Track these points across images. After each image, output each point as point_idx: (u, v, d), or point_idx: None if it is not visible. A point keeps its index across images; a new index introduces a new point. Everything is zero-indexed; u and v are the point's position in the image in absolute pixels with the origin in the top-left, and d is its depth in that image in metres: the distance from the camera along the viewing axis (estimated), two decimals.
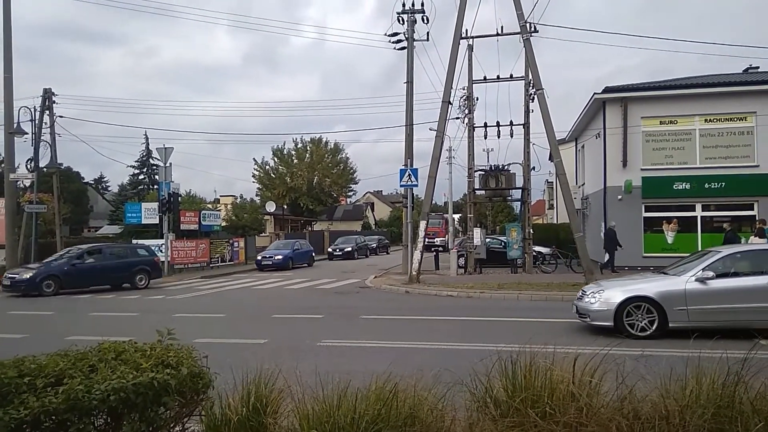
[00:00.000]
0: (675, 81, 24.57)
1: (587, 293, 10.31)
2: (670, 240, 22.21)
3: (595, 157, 25.25)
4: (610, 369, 4.32)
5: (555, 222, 41.63)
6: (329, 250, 40.57)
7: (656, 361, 6.35)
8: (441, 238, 42.77)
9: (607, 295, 9.84)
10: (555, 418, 3.89)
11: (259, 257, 30.43)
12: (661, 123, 22.51)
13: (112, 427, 3.15)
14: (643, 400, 4.12)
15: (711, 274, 9.37)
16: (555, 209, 44.49)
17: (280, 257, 29.72)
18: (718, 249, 10.57)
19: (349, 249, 39.31)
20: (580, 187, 30.11)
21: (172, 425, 3.57)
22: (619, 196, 22.37)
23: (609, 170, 22.63)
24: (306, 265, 31.53)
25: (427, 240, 39.22)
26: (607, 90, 22.85)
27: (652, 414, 4.00)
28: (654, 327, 9.40)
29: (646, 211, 22.47)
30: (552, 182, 46.87)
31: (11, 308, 15.69)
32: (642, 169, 22.30)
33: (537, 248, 25.51)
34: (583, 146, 29.72)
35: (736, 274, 9.61)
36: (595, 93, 22.93)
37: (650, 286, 9.83)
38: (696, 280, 9.42)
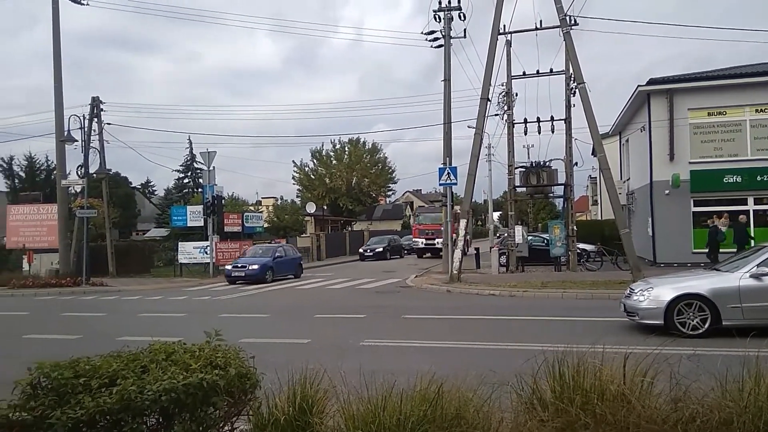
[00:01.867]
0: (723, 71, 23.70)
1: (635, 291, 10.06)
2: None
3: (640, 151, 24.60)
4: (662, 369, 4.20)
5: (599, 218, 40.66)
6: (360, 250, 39.33)
7: (711, 360, 6.13)
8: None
9: (656, 293, 9.60)
10: (606, 419, 3.80)
11: (229, 266, 24.24)
12: (709, 114, 21.78)
13: (164, 427, 3.22)
14: (698, 402, 3.98)
15: (765, 270, 9.03)
16: (599, 205, 43.46)
17: (255, 267, 23.32)
18: None
19: (380, 249, 38.13)
20: (625, 182, 29.38)
21: (221, 425, 3.64)
22: (666, 191, 21.73)
23: (655, 164, 22.02)
24: (292, 276, 25.46)
25: (424, 241, 36.14)
26: (651, 82, 22.23)
27: (708, 416, 3.86)
28: (706, 325, 9.11)
29: (695, 206, 21.77)
30: (595, 178, 45.73)
31: (67, 310, 16.28)
32: (690, 163, 21.62)
33: (581, 245, 25.02)
34: (627, 140, 29.00)
35: None
36: (639, 85, 22.35)
37: (702, 283, 9.54)
38: (751, 276, 9.08)
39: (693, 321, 9.21)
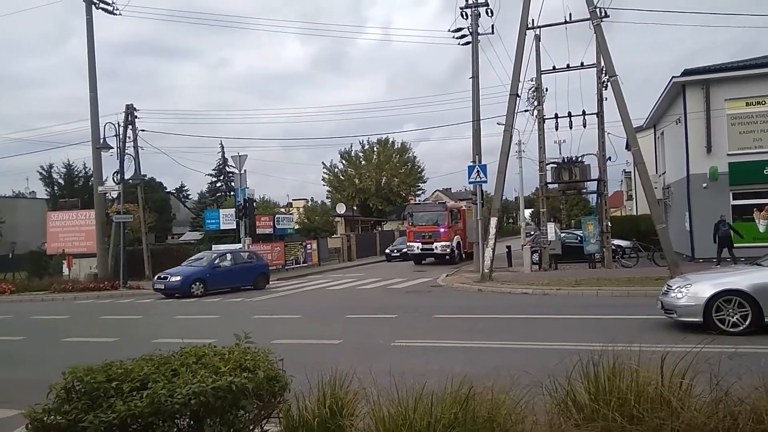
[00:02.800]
0: (761, 59, 22.90)
1: (673, 288, 9.77)
2: (762, 228, 20.78)
3: (675, 143, 23.99)
4: (702, 369, 4.06)
5: (634, 214, 39.80)
6: (386, 251, 37.12)
7: (753, 359, 5.91)
8: (444, 243, 29.60)
9: (695, 290, 9.29)
10: (644, 422, 3.69)
11: (156, 277, 21.24)
12: (747, 104, 21.10)
13: (194, 430, 3.24)
14: (740, 403, 3.84)
15: None
16: (634, 200, 42.54)
17: (177, 279, 19.84)
18: None
19: (406, 249, 33.25)
20: (660, 176, 28.70)
21: (251, 428, 3.65)
22: (704, 184, 21.14)
23: (692, 157, 21.43)
24: (250, 287, 21.32)
25: (421, 246, 29.86)
26: (686, 73, 21.65)
27: (751, 418, 3.71)
28: (747, 322, 8.75)
29: (734, 199, 21.12)
30: (630, 172, 44.77)
31: (105, 313, 16.66)
32: (728, 155, 20.98)
33: (616, 242, 24.50)
34: (662, 133, 28.31)
35: None
36: (673, 76, 21.78)
37: (743, 278, 9.21)
38: None
39: (733, 318, 8.87)
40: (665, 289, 10.11)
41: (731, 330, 8.77)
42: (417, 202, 77.45)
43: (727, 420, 3.70)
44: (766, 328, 8.64)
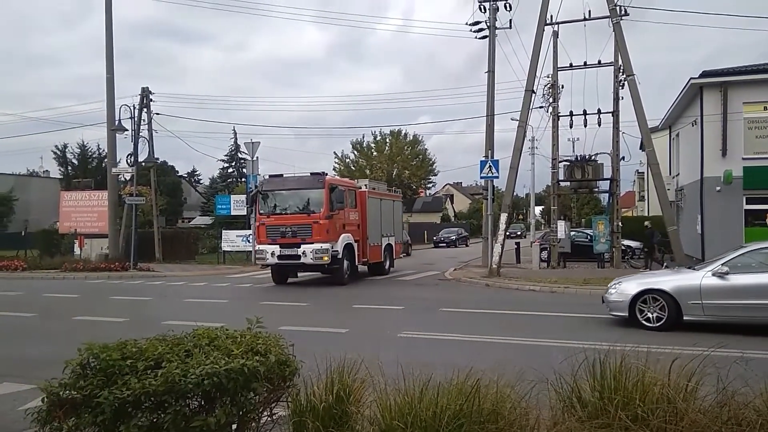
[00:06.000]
0: None
1: (611, 285, 10.72)
2: None
3: (691, 145, 23.78)
4: (709, 372, 4.08)
5: (646, 214, 39.57)
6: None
7: (761, 364, 5.93)
8: (320, 245, 17.09)
9: (623, 287, 10.24)
10: (647, 422, 3.71)
11: None
12: (765, 108, 20.82)
13: (205, 410, 3.31)
14: (745, 406, 3.86)
15: (726, 269, 9.36)
16: (646, 201, 42.24)
17: None
18: (751, 244, 10.55)
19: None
20: (674, 177, 28.47)
21: (260, 410, 3.71)
22: (718, 187, 20.95)
23: (706, 160, 21.23)
24: None
25: (279, 251, 17.32)
26: (704, 74, 21.41)
27: (755, 421, 3.73)
28: (665, 319, 9.56)
29: (747, 203, 20.91)
30: (643, 172, 44.41)
31: (115, 293, 16.87)
32: (743, 158, 20.75)
33: (626, 242, 24.40)
34: (677, 134, 28.06)
35: (756, 271, 9.43)
36: (691, 78, 21.55)
37: (666, 279, 10.11)
38: (713, 275, 9.42)
39: (654, 314, 9.70)
40: (609, 286, 10.92)
41: (652, 325, 9.62)
42: (427, 195, 76.80)
43: (731, 423, 3.73)
44: (683, 325, 9.41)
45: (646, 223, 22.53)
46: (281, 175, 18.74)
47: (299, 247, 17.13)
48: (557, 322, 11.16)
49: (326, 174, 18.63)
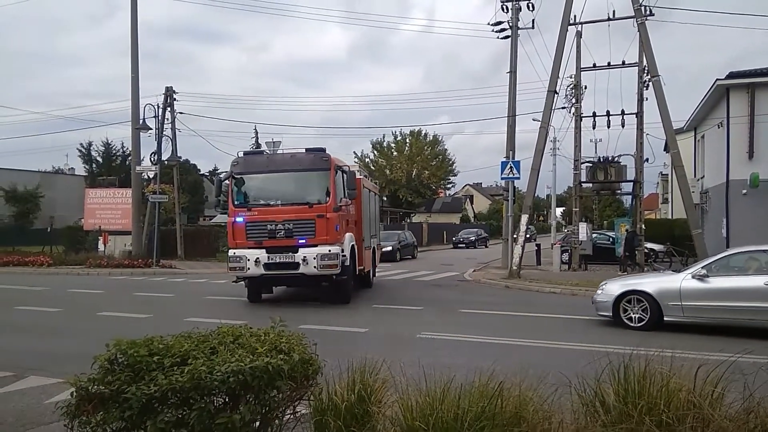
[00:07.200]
0: None
1: (599, 286, 11.10)
2: None
3: (716, 147, 23.38)
4: (735, 379, 4.02)
5: (669, 217, 38.98)
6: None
7: None
8: (326, 247, 12.69)
9: (608, 289, 10.65)
10: (673, 428, 3.67)
11: None
12: None
13: (230, 407, 3.35)
14: None
15: (704, 272, 9.70)
16: (670, 203, 41.61)
17: None
18: (732, 248, 11.16)
19: (390, 248, 28.75)
20: (699, 180, 28.02)
21: (283, 408, 3.75)
22: (744, 191, 20.57)
23: (732, 162, 20.86)
24: None
25: (267, 256, 12.68)
26: (731, 75, 21.04)
27: None
28: (647, 319, 9.90)
29: None
30: (667, 174, 43.73)
31: (138, 290, 17.11)
32: None
33: (649, 245, 24.09)
34: (702, 136, 27.61)
35: (734, 274, 9.78)
36: (717, 79, 21.20)
37: (648, 281, 10.54)
38: (693, 277, 9.74)
39: (636, 315, 10.04)
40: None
41: (635, 325, 9.96)
42: (447, 195, 76.56)
43: (758, 429, 3.67)
44: (664, 325, 9.73)
45: (627, 227, 22.53)
46: (262, 152, 15.20)
47: (297, 252, 12.68)
48: (578, 325, 11.06)
49: (506, 200, 16.44)
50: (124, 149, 47.38)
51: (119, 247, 27.49)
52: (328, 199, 12.95)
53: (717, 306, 9.49)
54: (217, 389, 3.22)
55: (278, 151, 14.89)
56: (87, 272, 22.80)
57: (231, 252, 13.20)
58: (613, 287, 10.60)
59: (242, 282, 13.62)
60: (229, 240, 13.47)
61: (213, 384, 3.18)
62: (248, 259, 12.81)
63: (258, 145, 56.51)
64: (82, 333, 10.01)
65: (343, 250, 13.17)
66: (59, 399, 4.29)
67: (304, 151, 13.72)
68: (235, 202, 13.32)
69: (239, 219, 13.07)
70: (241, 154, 13.92)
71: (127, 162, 38.15)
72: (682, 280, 9.81)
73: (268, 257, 12.81)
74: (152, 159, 27.37)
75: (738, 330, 9.24)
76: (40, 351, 8.58)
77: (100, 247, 27.23)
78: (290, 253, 12.77)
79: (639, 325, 9.94)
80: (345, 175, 13.50)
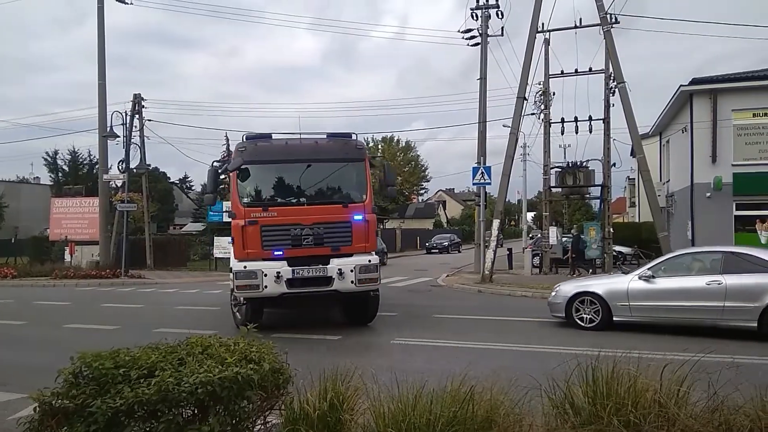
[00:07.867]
0: None
1: (553, 288, 11.43)
2: (763, 240, 20.74)
3: (681, 152, 23.98)
4: (700, 378, 4.12)
5: (637, 220, 39.81)
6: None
7: (751, 370, 5.98)
8: (362, 257, 10.42)
9: (561, 290, 10.97)
10: (639, 427, 3.74)
11: None
12: (754, 115, 21.05)
13: (199, 419, 3.30)
14: (736, 412, 3.89)
15: (650, 273, 10.00)
16: (637, 207, 42.48)
17: None
18: (678, 250, 11.60)
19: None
20: (664, 183, 28.68)
21: (254, 418, 3.71)
22: (708, 194, 21.12)
23: (696, 166, 21.41)
24: None
25: (292, 271, 9.56)
26: (694, 81, 21.62)
27: (746, 426, 3.77)
28: (599, 320, 10.19)
29: (737, 210, 21.09)
30: (634, 179, 44.67)
31: (106, 301, 16.75)
32: (733, 165, 20.95)
33: (617, 248, 24.52)
34: (668, 141, 28.29)
35: (679, 274, 10.01)
36: (681, 85, 21.76)
37: (598, 282, 10.87)
38: (639, 278, 10.04)
39: (588, 315, 10.33)
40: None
41: (587, 325, 10.25)
42: (419, 201, 76.93)
43: (723, 428, 3.76)
44: (613, 325, 10.01)
45: (573, 231, 23.42)
46: (270, 136, 11.10)
47: (328, 264, 10.15)
48: (550, 328, 11.18)
49: (478, 204, 13.90)
50: (92, 157, 46.44)
51: (86, 258, 26.91)
52: (365, 196, 10.60)
53: (662, 306, 9.77)
54: (186, 401, 3.18)
55: (296, 137, 11.23)
56: (53, 284, 22.24)
57: (239, 265, 9.96)
58: (566, 289, 10.91)
59: (242, 303, 10.66)
60: (236, 250, 10.23)
61: (181, 396, 3.13)
62: (265, 275, 9.85)
63: (229, 152, 56.06)
64: (47, 346, 9.75)
65: (373, 261, 10.53)
66: (22, 414, 4.16)
67: (326, 136, 11.11)
68: (244, 200, 10.34)
69: (252, 222, 9.97)
70: (245, 138, 10.84)
71: (95, 170, 37.38)
72: (630, 282, 10.10)
73: (293, 271, 9.99)
74: (120, 167, 26.91)
75: (701, 329, 9.42)
76: (4, 365, 8.33)
77: (67, 257, 26.64)
78: (321, 266, 10.11)
79: (591, 325, 10.21)
80: (386, 168, 11.74)
